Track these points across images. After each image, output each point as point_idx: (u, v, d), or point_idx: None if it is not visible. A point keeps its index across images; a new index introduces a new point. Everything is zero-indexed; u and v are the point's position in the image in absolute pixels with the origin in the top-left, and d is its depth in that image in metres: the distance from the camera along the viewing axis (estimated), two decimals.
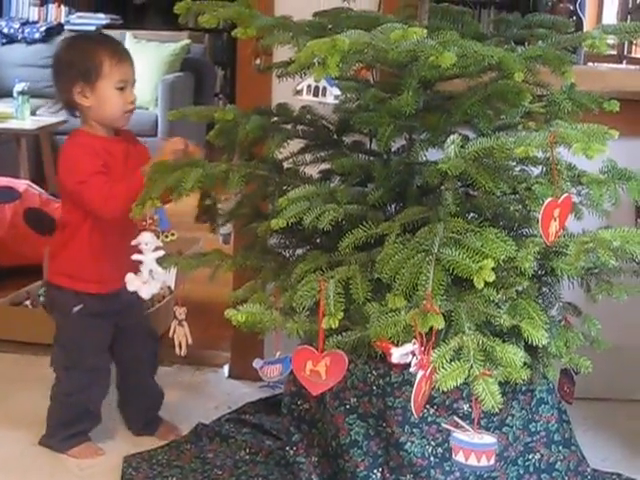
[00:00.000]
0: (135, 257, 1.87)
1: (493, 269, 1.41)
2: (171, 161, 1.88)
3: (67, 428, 2.17)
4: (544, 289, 1.78)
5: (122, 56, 2.04)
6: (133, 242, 1.87)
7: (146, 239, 1.86)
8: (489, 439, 1.48)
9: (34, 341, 2.74)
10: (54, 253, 2.15)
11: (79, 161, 2.02)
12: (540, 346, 1.54)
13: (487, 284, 1.42)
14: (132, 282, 1.89)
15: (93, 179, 1.98)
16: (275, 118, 1.95)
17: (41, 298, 2.99)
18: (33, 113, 4.88)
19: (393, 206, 1.80)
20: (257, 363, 1.72)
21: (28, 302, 2.98)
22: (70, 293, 2.10)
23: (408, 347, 1.44)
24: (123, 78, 2.03)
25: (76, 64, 2.01)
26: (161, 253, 1.88)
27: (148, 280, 1.88)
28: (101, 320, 2.11)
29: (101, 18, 6.10)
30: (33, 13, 6.25)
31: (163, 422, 2.29)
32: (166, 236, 1.90)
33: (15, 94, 4.69)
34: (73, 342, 2.13)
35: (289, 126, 1.94)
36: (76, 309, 2.10)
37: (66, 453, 2.16)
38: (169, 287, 2.89)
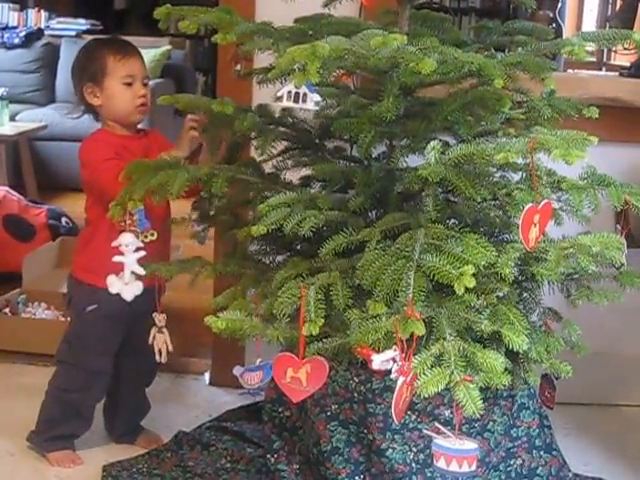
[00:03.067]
0: (116, 259, 1.86)
1: (474, 275, 1.41)
2: (152, 161, 1.87)
3: (55, 427, 2.15)
4: (524, 295, 1.79)
5: (127, 52, 2.07)
6: (114, 243, 1.86)
7: (127, 240, 1.85)
8: (470, 445, 1.48)
9: (14, 349, 2.72)
10: (79, 249, 2.16)
11: (91, 153, 2.05)
12: (521, 351, 1.54)
13: (468, 290, 1.42)
14: (114, 284, 1.88)
15: (104, 165, 1.99)
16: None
17: (19, 304, 2.97)
18: (12, 118, 4.85)
19: (374, 212, 1.79)
20: (237, 370, 1.71)
21: (7, 310, 2.95)
22: (87, 289, 2.08)
23: (389, 353, 1.44)
24: (129, 73, 2.05)
25: (84, 66, 2.07)
26: (142, 254, 1.87)
27: (130, 281, 1.87)
28: (113, 323, 2.10)
29: (81, 24, 6.08)
30: (13, 18, 6.21)
31: (144, 430, 2.27)
32: (145, 236, 1.90)
33: None
34: (80, 340, 2.12)
35: (270, 127, 1.93)
36: (90, 308, 2.08)
37: (45, 456, 2.14)
38: None
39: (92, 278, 2.07)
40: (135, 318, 2.08)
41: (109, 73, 2.04)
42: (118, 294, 1.95)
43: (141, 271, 1.87)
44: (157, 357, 2.02)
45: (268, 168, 1.94)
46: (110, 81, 2.04)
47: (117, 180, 1.88)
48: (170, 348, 2.02)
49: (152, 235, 1.91)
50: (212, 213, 2.00)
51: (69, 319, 2.20)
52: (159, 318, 2.01)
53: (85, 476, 2.10)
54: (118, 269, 1.88)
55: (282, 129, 1.93)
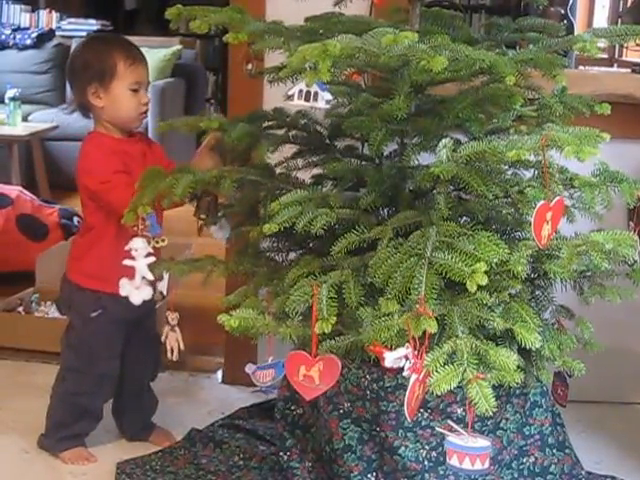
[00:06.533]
0: (127, 263, 1.87)
1: (486, 272, 1.41)
2: (162, 168, 1.88)
3: (64, 429, 2.16)
4: (537, 292, 1.78)
5: (137, 58, 2.05)
6: (125, 248, 1.87)
7: (138, 245, 1.86)
8: (483, 442, 1.48)
9: (27, 348, 2.74)
10: (79, 254, 2.13)
11: (98, 161, 2.03)
12: (533, 349, 1.54)
13: (480, 287, 1.42)
14: (125, 287, 1.89)
15: (116, 178, 1.98)
16: (269, 122, 1.95)
17: (33, 303, 2.99)
18: (24, 119, 4.88)
19: (385, 210, 1.80)
20: (249, 368, 1.72)
21: (21, 309, 2.97)
22: (91, 295, 2.08)
23: (401, 351, 1.44)
24: (137, 80, 2.04)
25: (91, 65, 2.03)
26: (153, 259, 1.88)
27: (140, 286, 1.88)
28: (117, 326, 2.10)
29: (92, 24, 6.11)
30: (24, 19, 6.23)
31: (156, 428, 2.28)
32: (157, 242, 1.90)
33: (6, 100, 4.69)
34: (87, 346, 2.11)
35: (282, 131, 1.94)
36: (95, 314, 2.08)
37: (58, 456, 2.15)
38: (161, 293, 2.89)
39: (96, 284, 2.06)
40: (137, 319, 2.10)
41: (118, 77, 2.01)
42: (125, 298, 1.95)
43: (151, 276, 1.88)
44: (169, 355, 2.03)
45: (279, 169, 1.94)
46: (118, 86, 2.02)
47: (127, 200, 1.89)
48: (182, 347, 2.02)
49: (163, 241, 1.92)
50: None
51: (69, 324, 2.16)
52: (172, 317, 2.02)
53: (99, 473, 2.11)
54: (123, 276, 1.88)
55: (292, 132, 1.93)
